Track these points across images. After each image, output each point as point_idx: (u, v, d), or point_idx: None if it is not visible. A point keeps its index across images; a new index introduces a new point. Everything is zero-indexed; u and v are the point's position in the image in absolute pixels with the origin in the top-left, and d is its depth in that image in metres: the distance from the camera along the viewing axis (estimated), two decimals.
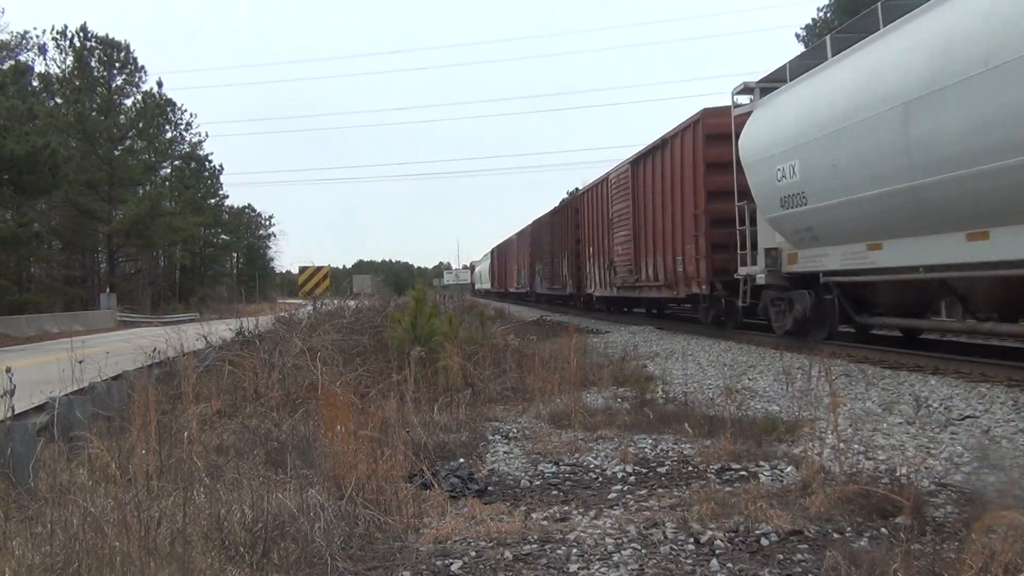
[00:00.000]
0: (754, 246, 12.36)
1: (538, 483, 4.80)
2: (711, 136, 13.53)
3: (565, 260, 26.49)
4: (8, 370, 5.09)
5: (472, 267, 71.89)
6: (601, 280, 21.47)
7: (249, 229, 73.61)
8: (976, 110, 7.22)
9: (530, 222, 34.51)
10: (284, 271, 79.63)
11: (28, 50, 42.59)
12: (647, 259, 16.92)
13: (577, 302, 25.98)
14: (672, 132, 15.33)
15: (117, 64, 45.29)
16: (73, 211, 40.67)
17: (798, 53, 12.11)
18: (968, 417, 5.88)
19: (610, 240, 20.00)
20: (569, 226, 25.78)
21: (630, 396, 7.60)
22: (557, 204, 32.22)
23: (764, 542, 3.52)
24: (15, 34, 42.13)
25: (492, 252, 51.17)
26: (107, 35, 44.62)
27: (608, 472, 4.93)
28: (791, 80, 11.42)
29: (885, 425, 5.83)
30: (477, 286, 65.55)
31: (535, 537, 3.70)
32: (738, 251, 12.66)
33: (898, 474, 4.19)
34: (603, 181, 21.06)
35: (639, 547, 3.53)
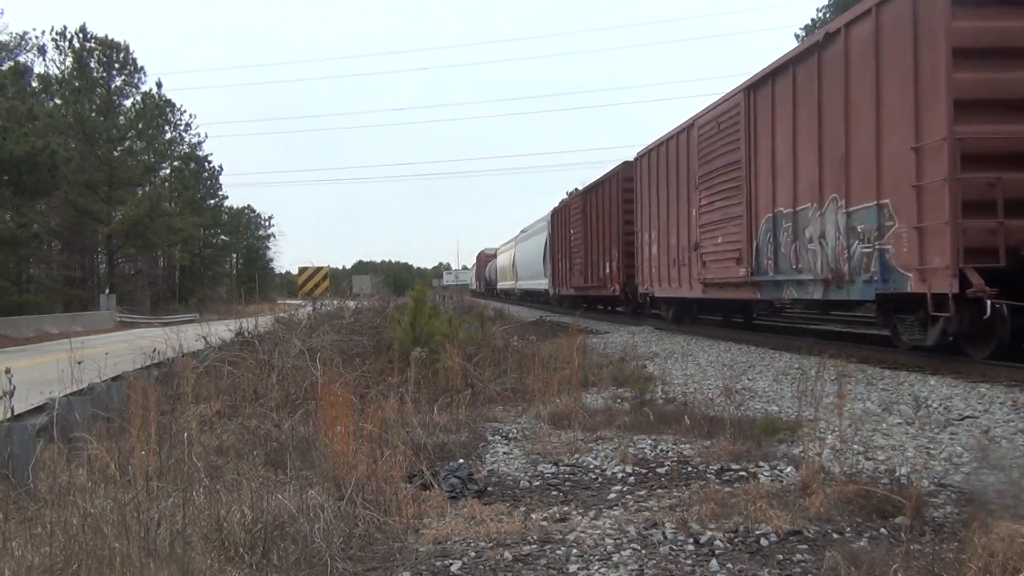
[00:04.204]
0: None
1: (538, 483, 4.79)
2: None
3: None
4: (7, 371, 5.08)
5: (484, 260, 56.38)
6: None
7: (248, 230, 73.56)
8: None
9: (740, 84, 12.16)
10: (284, 272, 79.66)
11: (27, 51, 42.55)
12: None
13: None
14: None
15: (116, 65, 45.32)
16: (72, 212, 40.67)
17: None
18: (968, 417, 5.88)
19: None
20: None
21: (630, 396, 7.60)
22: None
23: (764, 542, 3.53)
24: (14, 35, 42.06)
25: (557, 212, 27.48)
26: (106, 36, 44.76)
27: (608, 472, 4.93)
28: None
29: (885, 425, 5.83)
30: (500, 285, 45.14)
31: (535, 537, 3.70)
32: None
33: (898, 474, 4.19)
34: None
35: (639, 547, 3.53)
